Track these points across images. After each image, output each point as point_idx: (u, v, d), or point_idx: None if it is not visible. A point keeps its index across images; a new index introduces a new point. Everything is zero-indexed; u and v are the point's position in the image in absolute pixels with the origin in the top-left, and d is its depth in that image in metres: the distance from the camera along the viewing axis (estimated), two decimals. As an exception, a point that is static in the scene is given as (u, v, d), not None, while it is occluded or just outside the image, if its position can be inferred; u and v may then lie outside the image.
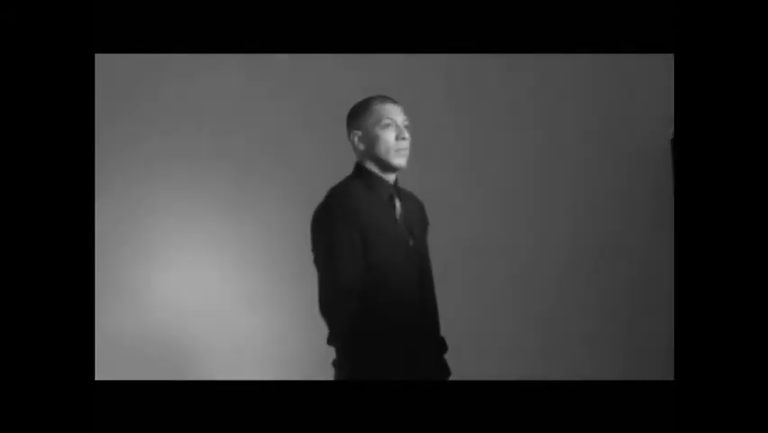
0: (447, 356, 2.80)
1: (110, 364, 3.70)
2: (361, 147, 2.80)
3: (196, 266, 4.01)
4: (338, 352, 2.70)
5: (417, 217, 2.88)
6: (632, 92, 4.33)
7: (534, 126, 4.33)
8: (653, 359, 4.14)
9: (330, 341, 2.71)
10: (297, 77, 4.04)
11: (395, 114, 2.80)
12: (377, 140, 2.77)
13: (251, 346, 3.92)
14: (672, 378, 2.41)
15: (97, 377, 2.73)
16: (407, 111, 2.83)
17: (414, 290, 2.75)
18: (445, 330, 2.84)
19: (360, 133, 2.80)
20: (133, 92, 3.94)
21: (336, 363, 2.69)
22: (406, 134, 2.79)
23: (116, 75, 3.84)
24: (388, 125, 2.78)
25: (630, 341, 4.28)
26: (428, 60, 4.08)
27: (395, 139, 2.77)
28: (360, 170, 2.82)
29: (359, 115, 2.83)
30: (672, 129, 2.53)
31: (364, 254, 2.67)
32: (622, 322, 4.31)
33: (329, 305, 2.67)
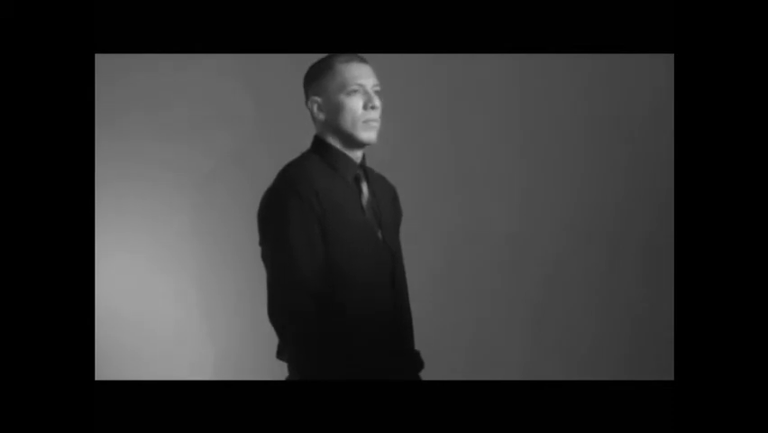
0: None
1: (110, 365, 3.70)
2: (321, 117, 2.32)
3: (197, 265, 4.01)
4: (291, 368, 2.27)
5: (389, 206, 2.43)
6: (632, 92, 4.32)
7: (533, 126, 4.32)
8: (653, 359, 4.14)
9: (280, 354, 2.29)
10: (296, 77, 4.03)
11: (364, 76, 2.31)
12: (340, 108, 2.29)
13: (252, 346, 3.92)
14: (671, 378, 2.41)
15: (97, 377, 2.73)
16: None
17: (384, 293, 2.32)
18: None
19: (319, 99, 2.32)
20: (133, 92, 3.94)
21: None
22: (377, 102, 2.30)
23: (116, 75, 3.84)
24: (354, 92, 2.30)
25: (630, 341, 4.28)
26: (425, 60, 4.08)
27: (363, 107, 2.29)
28: (319, 144, 2.34)
29: (319, 76, 2.34)
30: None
31: (323, 248, 2.23)
32: (622, 322, 4.31)
33: (280, 308, 2.22)
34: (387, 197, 2.44)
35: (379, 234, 2.34)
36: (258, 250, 2.33)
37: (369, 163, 2.44)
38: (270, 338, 2.36)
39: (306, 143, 2.42)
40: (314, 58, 2.43)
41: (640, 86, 4.30)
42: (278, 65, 3.97)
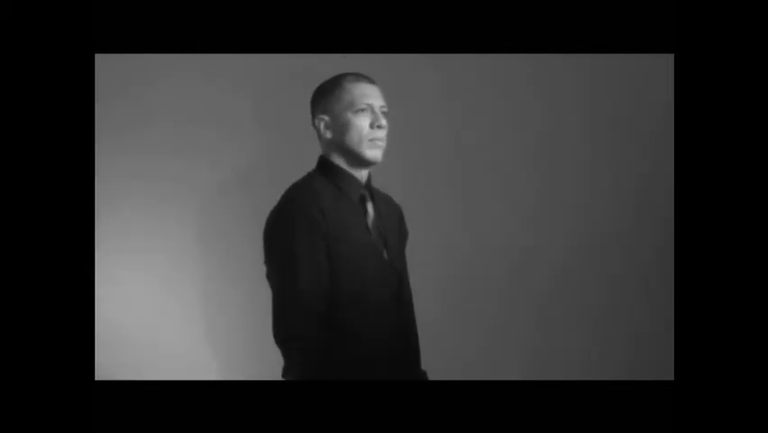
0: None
1: (110, 365, 3.70)
2: (328, 135, 2.35)
3: (197, 267, 4.01)
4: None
5: (394, 225, 2.44)
6: (632, 92, 4.32)
7: (533, 127, 4.32)
8: (653, 359, 4.14)
9: (286, 373, 2.28)
10: (297, 77, 4.03)
11: (372, 96, 2.34)
12: (347, 126, 2.32)
13: (253, 346, 3.93)
14: (671, 378, 2.41)
15: (97, 377, 2.73)
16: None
17: (389, 313, 2.32)
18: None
19: (327, 118, 2.35)
20: (133, 92, 3.93)
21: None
22: (384, 122, 2.34)
23: (116, 75, 3.84)
24: (362, 110, 2.32)
25: (630, 341, 4.28)
26: (424, 60, 4.07)
27: (369, 126, 2.32)
28: (324, 164, 2.37)
29: (326, 95, 2.37)
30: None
31: (328, 268, 2.23)
32: (622, 322, 4.31)
33: (285, 329, 2.22)
34: (392, 217, 2.45)
35: (385, 255, 2.35)
36: (260, 254, 2.33)
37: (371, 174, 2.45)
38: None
39: (312, 162, 2.42)
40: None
41: (640, 86, 4.30)
42: (279, 66, 3.97)
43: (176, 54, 3.75)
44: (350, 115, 2.32)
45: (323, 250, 2.23)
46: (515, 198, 4.31)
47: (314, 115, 2.40)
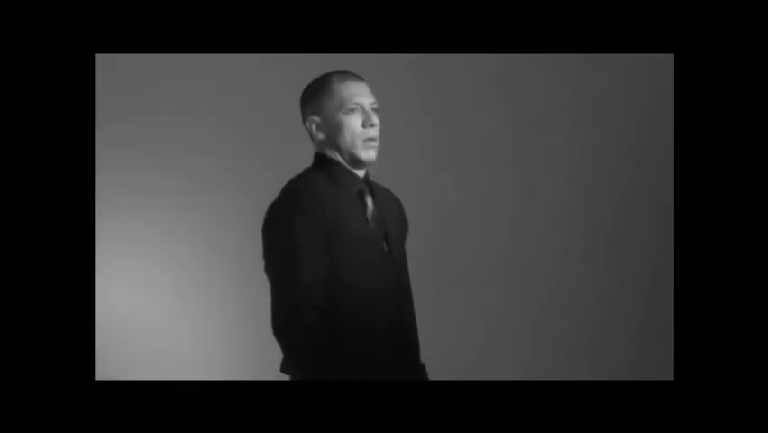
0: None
1: (110, 365, 3.70)
2: (321, 136, 2.34)
3: (196, 266, 4.01)
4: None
5: (394, 219, 2.42)
6: (632, 92, 4.32)
7: (532, 126, 4.32)
8: (653, 359, 4.14)
9: (285, 367, 2.28)
10: (297, 75, 4.03)
11: (361, 95, 2.32)
12: (339, 128, 2.30)
13: (252, 346, 3.93)
14: (671, 378, 2.41)
15: (97, 377, 2.73)
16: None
17: (388, 306, 2.30)
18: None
19: (318, 119, 2.33)
20: (133, 91, 3.93)
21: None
22: (375, 120, 2.31)
23: (116, 75, 3.84)
24: (352, 110, 2.30)
25: (630, 341, 4.28)
26: (426, 60, 4.07)
27: (362, 125, 2.30)
28: (321, 160, 2.35)
29: (316, 96, 2.34)
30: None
31: (327, 261, 2.23)
32: (622, 322, 4.31)
33: (284, 322, 2.20)
34: (392, 210, 2.43)
35: (385, 247, 2.34)
36: (259, 255, 2.33)
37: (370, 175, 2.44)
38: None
39: (311, 156, 2.42)
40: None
41: (640, 86, 4.30)
42: (279, 65, 3.97)
43: (176, 54, 3.75)
44: (341, 115, 2.31)
45: (321, 242, 2.22)
46: (516, 198, 4.31)
47: (304, 116, 2.38)
